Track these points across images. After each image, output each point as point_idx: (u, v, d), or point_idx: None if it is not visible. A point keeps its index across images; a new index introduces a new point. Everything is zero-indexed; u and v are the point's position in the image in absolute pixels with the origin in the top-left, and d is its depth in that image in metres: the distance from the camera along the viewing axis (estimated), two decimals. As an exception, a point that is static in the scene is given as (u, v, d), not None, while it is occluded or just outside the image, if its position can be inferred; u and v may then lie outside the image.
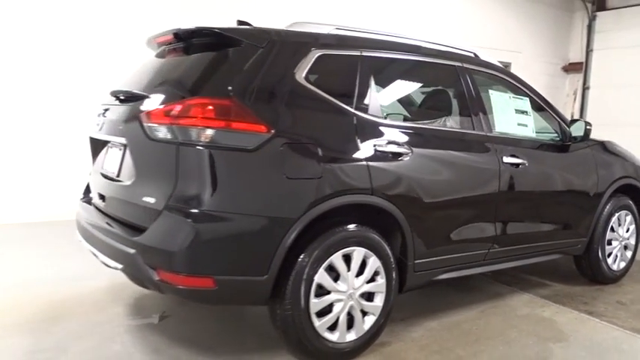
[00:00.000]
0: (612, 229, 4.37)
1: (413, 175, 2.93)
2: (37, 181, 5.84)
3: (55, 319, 3.20)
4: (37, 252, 4.63)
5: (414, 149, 2.94)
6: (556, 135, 4.00)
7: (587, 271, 4.41)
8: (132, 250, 2.43)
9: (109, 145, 2.98)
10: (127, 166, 2.70)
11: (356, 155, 2.72)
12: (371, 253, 2.79)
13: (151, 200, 2.44)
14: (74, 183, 5.79)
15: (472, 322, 3.46)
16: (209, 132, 2.35)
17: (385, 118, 3.00)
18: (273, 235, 2.46)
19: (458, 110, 3.39)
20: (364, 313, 2.83)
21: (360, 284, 2.78)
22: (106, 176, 2.93)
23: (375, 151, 2.80)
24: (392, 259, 2.88)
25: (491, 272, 4.05)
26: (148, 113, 2.49)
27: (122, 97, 2.86)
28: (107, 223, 2.74)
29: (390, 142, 2.87)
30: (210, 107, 2.37)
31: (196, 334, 3.10)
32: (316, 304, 2.63)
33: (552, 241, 3.93)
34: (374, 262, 2.81)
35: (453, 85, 3.42)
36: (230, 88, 2.45)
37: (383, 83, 3.04)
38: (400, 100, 3.31)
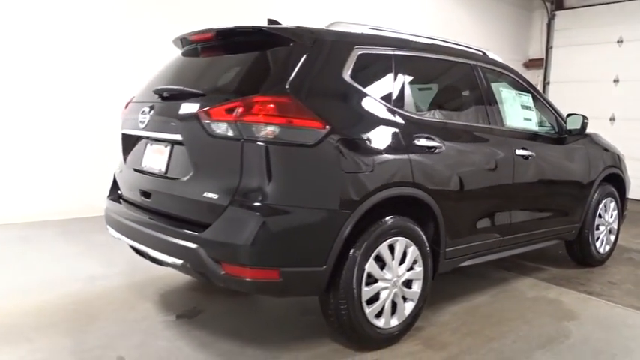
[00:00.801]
0: (599, 216, 4.71)
1: (445, 168, 3.10)
2: (34, 180, 5.65)
3: (90, 319, 3.17)
4: (41, 252, 4.50)
5: (445, 143, 3.11)
6: (552, 128, 4.27)
7: (577, 255, 4.73)
8: (195, 245, 2.47)
9: (149, 141, 2.99)
10: (179, 162, 2.73)
11: (399, 150, 2.86)
12: (411, 242, 2.94)
13: (214, 196, 2.49)
14: (69, 182, 5.77)
15: (489, 306, 3.68)
16: (272, 129, 2.42)
17: (418, 114, 3.14)
18: (332, 227, 2.56)
19: (477, 106, 3.58)
20: (404, 300, 2.97)
21: (403, 272, 2.93)
22: (148, 173, 2.93)
23: (415, 145, 2.94)
24: (428, 248, 3.04)
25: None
26: (208, 111, 2.53)
27: (166, 95, 2.87)
28: (156, 219, 2.75)
29: (425, 137, 3.02)
30: (272, 105, 2.43)
31: (235, 326, 3.15)
32: (367, 292, 2.75)
33: (553, 227, 4.21)
34: (413, 251, 2.96)
35: (471, 82, 3.60)
36: (287, 86, 2.53)
37: (413, 81, 3.18)
38: (428, 97, 3.46)
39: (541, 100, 4.23)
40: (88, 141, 5.87)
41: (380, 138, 2.80)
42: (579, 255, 4.72)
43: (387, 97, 2.94)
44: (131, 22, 6.09)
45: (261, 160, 2.43)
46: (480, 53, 3.85)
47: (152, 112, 2.85)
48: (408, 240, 2.92)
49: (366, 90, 2.85)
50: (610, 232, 4.93)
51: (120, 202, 3.27)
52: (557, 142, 4.22)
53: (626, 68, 9.34)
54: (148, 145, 3.00)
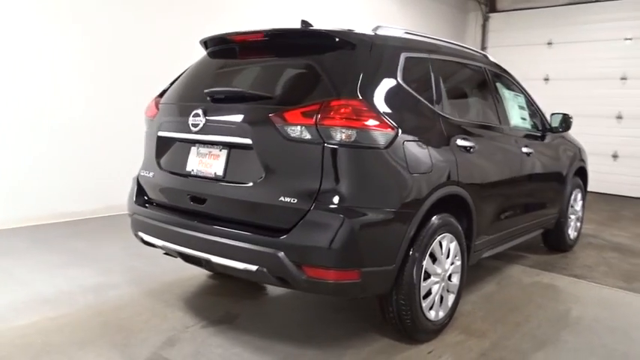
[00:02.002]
0: (571, 205, 5.16)
1: (477, 166, 3.29)
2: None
3: (126, 331, 3.02)
4: (25, 264, 4.16)
5: (475, 143, 3.29)
6: (536, 126, 4.61)
7: (553, 242, 5.16)
8: (276, 251, 2.45)
9: (196, 145, 2.89)
10: (240, 166, 2.67)
11: (447, 150, 3.00)
12: (453, 238, 3.09)
13: (292, 199, 2.47)
14: (32, 187, 5.37)
15: (499, 293, 3.93)
16: (351, 132, 2.45)
17: (453, 115, 3.29)
18: (401, 227, 2.65)
19: (491, 107, 3.81)
20: (448, 292, 3.12)
21: (448, 267, 3.07)
22: (198, 177, 2.84)
23: (456, 145, 3.09)
24: (464, 242, 3.21)
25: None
26: (282, 114, 2.51)
27: (219, 97, 2.80)
28: (217, 225, 2.68)
29: (462, 137, 3.18)
30: (350, 108, 2.47)
31: (279, 328, 3.14)
32: (424, 287, 2.87)
33: (543, 217, 4.57)
34: (455, 246, 3.11)
35: (485, 84, 3.82)
36: (358, 90, 2.57)
37: (445, 83, 3.33)
38: (457, 99, 3.62)
39: (529, 100, 4.55)
40: (50, 144, 5.49)
41: (433, 139, 2.92)
42: (554, 242, 5.14)
43: (430, 100, 3.06)
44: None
45: (341, 163, 2.45)
46: (483, 56, 4.08)
47: (207, 114, 2.76)
48: (452, 236, 3.07)
49: (415, 93, 2.94)
50: (577, 220, 5.41)
51: (146, 207, 3.13)
52: (542, 139, 4.57)
53: (555, 68, 10.15)
54: (194, 148, 2.91)
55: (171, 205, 3.02)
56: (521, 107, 4.33)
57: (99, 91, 5.81)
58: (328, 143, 2.44)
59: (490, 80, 3.88)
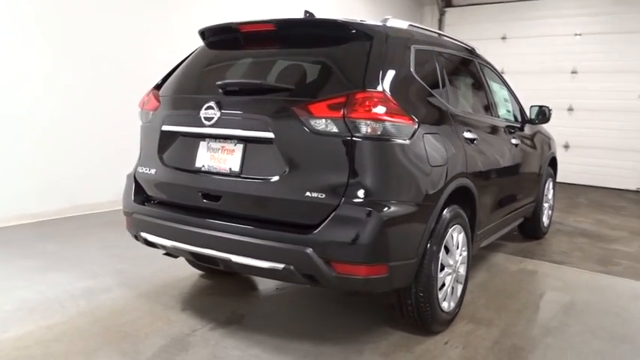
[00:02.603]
0: (545, 194, 5.36)
1: (480, 158, 3.33)
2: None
3: (132, 337, 2.86)
4: (3, 267, 3.89)
5: (478, 135, 3.34)
6: (515, 117, 4.74)
7: (529, 230, 5.33)
8: (305, 248, 2.38)
9: (207, 139, 2.76)
10: (259, 161, 2.58)
11: (457, 143, 3.02)
12: (462, 229, 3.12)
13: (319, 195, 2.41)
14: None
15: (492, 282, 4.02)
16: (378, 124, 2.42)
17: (457, 107, 3.32)
18: (423, 220, 2.64)
19: (484, 100, 3.87)
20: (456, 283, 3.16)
21: (459, 257, 3.10)
22: (211, 173, 2.71)
23: (464, 138, 3.12)
24: (470, 233, 3.26)
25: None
26: (307, 107, 2.43)
27: (234, 89, 2.68)
28: (237, 223, 2.57)
29: (467, 130, 3.21)
30: (376, 101, 2.43)
31: (290, 326, 3.07)
32: (440, 279, 2.89)
33: (525, 206, 4.71)
34: (463, 237, 3.15)
35: (478, 77, 3.88)
36: (381, 82, 2.53)
37: (448, 76, 3.34)
38: (458, 91, 3.64)
39: (510, 91, 4.67)
40: (8, 141, 5.14)
41: (446, 132, 2.93)
42: (531, 230, 5.32)
43: (438, 92, 3.07)
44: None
45: (369, 157, 2.41)
46: (472, 48, 4.14)
47: (222, 107, 2.63)
48: (460, 227, 3.10)
49: (426, 85, 2.94)
50: (549, 208, 5.63)
51: (148, 206, 2.98)
52: (521, 130, 4.71)
53: (510, 62, 10.48)
54: (203, 143, 2.78)
55: (179, 203, 2.87)
56: (505, 99, 4.44)
57: (58, 86, 5.48)
58: (356, 136, 2.39)
59: (481, 72, 3.95)
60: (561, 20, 9.93)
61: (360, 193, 2.40)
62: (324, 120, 2.41)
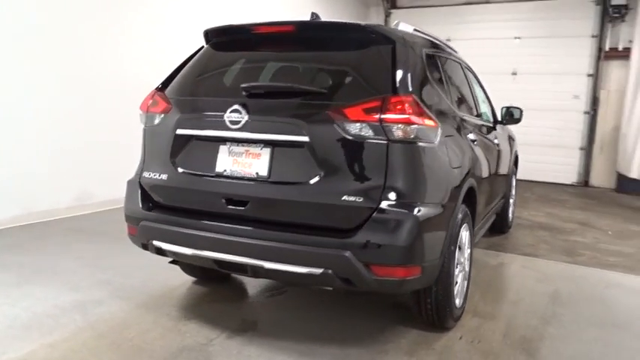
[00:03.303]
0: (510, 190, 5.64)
1: (479, 158, 3.46)
2: None
3: (148, 352, 2.72)
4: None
5: (476, 136, 3.46)
6: (491, 117, 4.96)
7: (497, 225, 5.58)
8: (345, 252, 2.37)
9: (228, 143, 2.68)
10: (288, 165, 2.53)
11: (465, 144, 3.12)
12: (467, 227, 3.23)
13: (357, 198, 2.40)
14: None
15: (480, 276, 4.17)
16: (412, 128, 2.45)
17: (458, 110, 3.42)
18: (447, 220, 2.71)
19: (473, 101, 4.01)
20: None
21: (467, 255, 3.21)
22: (235, 178, 2.63)
23: (468, 139, 3.23)
24: (472, 230, 3.37)
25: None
26: (342, 111, 2.42)
27: (260, 92, 2.62)
28: (269, 228, 2.52)
29: (469, 131, 3.32)
30: (409, 105, 2.45)
31: (308, 331, 3.03)
32: (455, 276, 2.97)
33: (500, 202, 4.93)
34: (467, 235, 3.26)
35: (466, 78, 4.01)
36: (410, 86, 2.57)
37: (448, 79, 3.44)
38: (456, 93, 3.73)
39: (485, 93, 4.87)
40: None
41: (457, 133, 3.02)
42: (499, 225, 5.58)
43: (446, 95, 3.15)
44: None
45: (404, 160, 2.44)
46: (455, 51, 4.28)
47: (249, 111, 2.56)
48: (467, 225, 3.20)
49: (438, 89, 3.01)
50: (513, 203, 5.92)
51: (160, 213, 2.86)
52: (495, 130, 4.92)
53: (454, 63, 10.90)
54: (224, 147, 2.69)
55: (198, 210, 2.76)
56: (483, 101, 4.62)
57: (8, 89, 5.10)
58: (392, 140, 2.41)
59: (467, 74, 4.09)
60: (502, 24, 10.45)
61: (397, 195, 2.42)
62: (360, 124, 2.41)
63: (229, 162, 2.67)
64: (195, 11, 7.23)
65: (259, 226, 2.54)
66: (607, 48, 9.71)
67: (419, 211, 2.45)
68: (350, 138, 2.42)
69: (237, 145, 2.66)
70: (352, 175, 2.45)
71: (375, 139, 2.41)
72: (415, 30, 3.25)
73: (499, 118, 4.94)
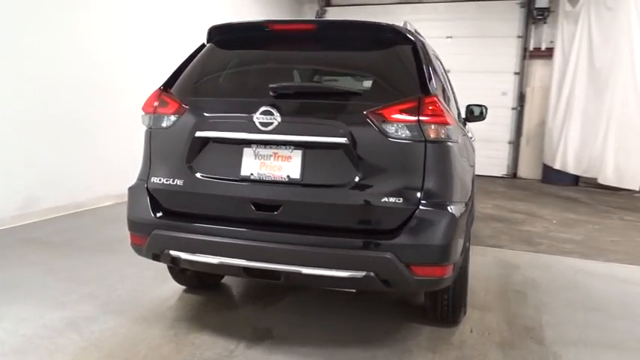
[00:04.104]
0: (470, 185, 5.90)
1: (473, 156, 3.59)
2: None
3: (171, 368, 2.58)
4: None
5: (467, 134, 3.59)
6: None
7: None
8: (383, 254, 2.37)
9: (253, 146, 2.57)
10: (325, 167, 2.48)
11: (468, 142, 3.22)
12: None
13: (397, 199, 2.40)
14: None
15: (461, 269, 4.34)
16: (446, 128, 2.49)
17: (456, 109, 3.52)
18: (468, 217, 2.79)
19: (454, 100, 4.13)
20: (464, 274, 3.38)
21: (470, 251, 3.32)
22: (263, 182, 2.53)
23: (468, 137, 3.34)
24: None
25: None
26: (380, 112, 2.41)
27: (288, 93, 2.53)
28: (305, 233, 2.45)
29: (468, 131, 3.44)
30: (440, 105, 2.49)
31: (325, 332, 3.00)
32: (467, 271, 3.07)
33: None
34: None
35: (446, 76, 4.12)
36: (435, 87, 2.61)
37: (446, 79, 3.52)
38: (451, 94, 3.81)
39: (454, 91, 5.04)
40: None
41: (464, 132, 3.11)
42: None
43: (450, 94, 3.24)
44: None
45: (438, 159, 2.47)
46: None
47: (282, 112, 2.47)
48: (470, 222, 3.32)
49: (445, 88, 3.09)
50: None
51: (176, 221, 2.70)
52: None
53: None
54: (248, 149, 2.57)
55: (222, 216, 2.62)
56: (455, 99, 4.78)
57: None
58: (428, 140, 2.43)
59: (446, 73, 4.21)
60: (435, 24, 10.84)
61: (434, 195, 2.45)
62: (398, 124, 2.41)
63: (256, 165, 2.56)
64: (145, 8, 6.86)
65: (294, 231, 2.47)
66: (531, 48, 10.40)
67: (453, 209, 2.50)
68: (389, 139, 2.42)
69: (264, 148, 2.56)
70: (391, 176, 2.44)
71: (413, 140, 2.42)
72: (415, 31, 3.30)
73: (467, 116, 5.13)
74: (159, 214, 2.71)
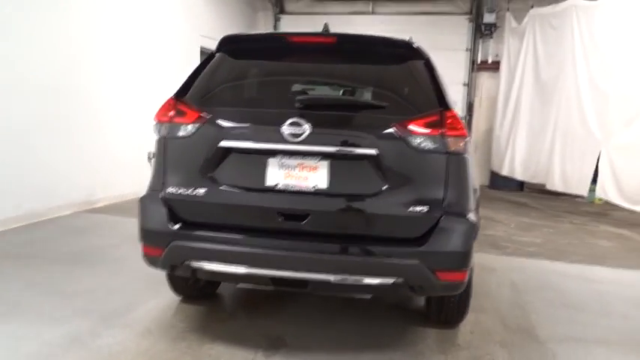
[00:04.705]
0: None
1: None
2: None
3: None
4: None
5: None
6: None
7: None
8: (411, 261, 2.46)
9: (278, 156, 2.59)
10: (352, 177, 2.55)
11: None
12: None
13: (423, 208, 2.50)
14: None
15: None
16: (463, 141, 2.62)
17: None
18: (476, 224, 2.93)
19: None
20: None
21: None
22: (290, 192, 2.56)
23: None
24: None
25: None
26: (406, 125, 2.51)
27: (317, 104, 2.58)
28: (336, 242, 2.50)
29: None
30: (458, 119, 2.63)
31: (339, 339, 3.04)
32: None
33: None
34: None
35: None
36: (450, 100, 2.74)
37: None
38: None
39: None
40: None
41: None
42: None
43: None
44: None
45: (458, 170, 2.60)
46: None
47: (312, 123, 2.51)
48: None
49: (448, 100, 3.23)
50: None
51: (197, 232, 2.67)
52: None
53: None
54: (273, 160, 2.59)
55: (246, 226, 2.62)
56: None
57: None
58: (449, 152, 2.56)
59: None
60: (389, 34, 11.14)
61: (455, 204, 2.58)
62: (423, 137, 2.52)
63: (281, 175, 2.59)
64: (101, 13, 6.63)
65: (323, 240, 2.52)
66: (479, 61, 10.91)
67: (471, 218, 2.63)
68: (414, 150, 2.52)
69: (289, 158, 2.59)
70: (417, 186, 2.55)
71: (436, 152, 2.54)
72: None
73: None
74: (177, 225, 2.67)
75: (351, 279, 2.49)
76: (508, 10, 10.27)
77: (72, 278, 3.90)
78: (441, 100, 2.67)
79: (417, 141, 2.52)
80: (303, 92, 2.81)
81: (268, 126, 2.57)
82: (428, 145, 2.53)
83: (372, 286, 2.51)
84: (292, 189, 2.57)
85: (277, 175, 2.59)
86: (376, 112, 2.63)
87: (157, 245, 2.70)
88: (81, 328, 3.06)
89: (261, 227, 2.61)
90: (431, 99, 2.67)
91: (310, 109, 2.59)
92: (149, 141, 7.63)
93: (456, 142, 2.58)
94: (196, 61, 9.19)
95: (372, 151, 2.51)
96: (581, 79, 7.97)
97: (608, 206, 8.24)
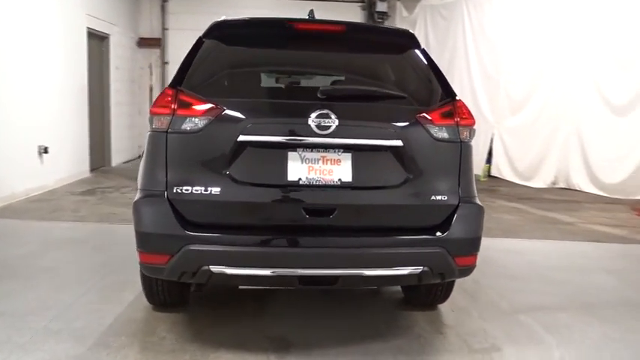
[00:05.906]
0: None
1: None
2: None
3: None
4: None
5: None
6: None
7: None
8: (435, 249, 2.53)
9: (298, 149, 2.48)
10: (374, 169, 2.54)
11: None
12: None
13: (443, 197, 2.57)
14: None
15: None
16: (471, 130, 2.74)
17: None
18: None
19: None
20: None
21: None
22: (314, 186, 2.47)
23: None
24: None
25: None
26: (427, 115, 2.54)
27: (336, 95, 2.50)
28: (360, 236, 2.47)
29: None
30: (467, 109, 2.74)
31: (340, 334, 3.01)
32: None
33: None
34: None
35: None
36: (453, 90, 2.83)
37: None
38: None
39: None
40: None
41: None
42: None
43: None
44: None
45: (468, 158, 2.71)
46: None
47: (338, 115, 2.42)
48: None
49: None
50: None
51: (213, 234, 2.47)
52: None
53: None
54: (293, 153, 2.47)
55: (268, 225, 2.47)
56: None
57: None
58: (462, 141, 2.66)
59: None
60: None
61: (467, 191, 2.70)
62: (441, 127, 2.59)
63: (303, 170, 2.48)
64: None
65: (351, 234, 2.48)
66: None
67: (479, 203, 2.77)
68: (434, 141, 2.58)
69: (311, 152, 2.50)
70: (437, 175, 2.62)
71: (452, 141, 2.63)
72: None
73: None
74: (190, 228, 2.43)
75: (382, 271, 2.49)
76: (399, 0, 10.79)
77: (9, 295, 3.40)
78: (448, 89, 2.75)
79: (435, 130, 2.58)
80: (323, 83, 2.71)
81: (293, 118, 2.44)
82: (444, 134, 2.61)
83: (401, 277, 2.54)
84: (317, 183, 2.49)
85: (300, 169, 2.49)
86: (397, 103, 2.64)
87: (162, 252, 2.45)
88: (63, 353, 2.68)
89: (287, 225, 2.50)
90: (440, 88, 2.74)
91: (334, 101, 2.51)
92: (36, 133, 6.92)
93: (467, 131, 2.68)
94: (83, 44, 8.31)
95: (398, 142, 2.52)
96: (473, 67, 8.67)
97: (493, 182, 9.11)
